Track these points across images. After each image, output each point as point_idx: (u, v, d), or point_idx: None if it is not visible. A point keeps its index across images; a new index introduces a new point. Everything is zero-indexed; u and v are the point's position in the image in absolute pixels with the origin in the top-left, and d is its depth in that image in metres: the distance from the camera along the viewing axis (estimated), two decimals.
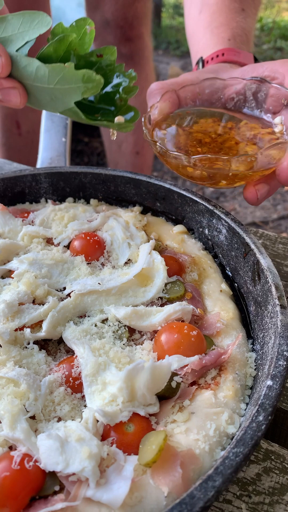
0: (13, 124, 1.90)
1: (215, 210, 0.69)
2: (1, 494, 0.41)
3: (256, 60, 0.87)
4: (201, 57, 0.90)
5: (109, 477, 0.42)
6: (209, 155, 0.61)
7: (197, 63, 0.91)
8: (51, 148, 0.92)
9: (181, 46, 5.89)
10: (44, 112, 1.02)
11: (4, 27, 0.63)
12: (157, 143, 0.65)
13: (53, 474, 0.43)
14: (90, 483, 0.41)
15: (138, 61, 1.89)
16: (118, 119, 0.69)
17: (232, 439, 0.46)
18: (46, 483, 0.43)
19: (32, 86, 0.64)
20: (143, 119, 0.71)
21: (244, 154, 0.62)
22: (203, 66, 0.88)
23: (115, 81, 0.71)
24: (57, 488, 0.43)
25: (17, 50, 0.63)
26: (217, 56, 0.86)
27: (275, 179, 0.66)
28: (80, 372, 0.51)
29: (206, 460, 0.44)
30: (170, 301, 0.61)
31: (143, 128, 0.70)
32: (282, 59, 0.77)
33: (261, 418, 0.41)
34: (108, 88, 0.72)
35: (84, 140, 3.31)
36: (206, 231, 0.72)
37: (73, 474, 0.42)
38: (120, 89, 0.71)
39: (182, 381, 0.50)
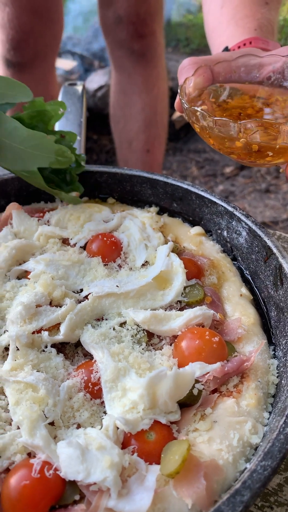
0: None
1: (235, 212, 0.68)
2: (20, 503, 0.40)
3: None
4: (226, 46, 0.87)
5: (131, 488, 0.41)
6: (258, 120, 0.59)
7: (223, 51, 0.88)
8: None
9: (191, 43, 5.85)
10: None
11: None
12: (199, 110, 0.62)
13: (73, 483, 0.42)
14: (111, 493, 0.40)
15: (150, 59, 1.88)
16: (76, 194, 0.77)
17: (255, 449, 0.45)
18: (66, 492, 0.42)
19: (1, 141, 0.67)
20: (179, 90, 0.69)
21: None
22: None
23: None
24: (77, 497, 0.42)
25: None
26: (244, 44, 0.84)
27: None
28: (99, 378, 0.50)
29: (229, 471, 0.43)
30: (189, 305, 0.60)
31: (180, 98, 0.68)
32: None
33: None
34: None
35: (93, 138, 3.29)
36: (225, 233, 0.71)
37: (94, 483, 0.41)
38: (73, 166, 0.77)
39: (203, 389, 0.49)
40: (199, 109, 0.63)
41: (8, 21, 1.61)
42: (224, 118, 0.59)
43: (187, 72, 0.71)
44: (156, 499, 0.40)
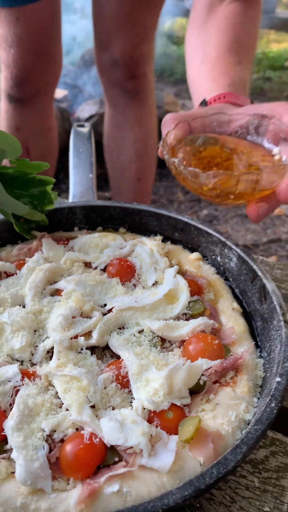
0: (24, 150, 2.05)
1: (227, 242, 0.84)
2: (77, 462, 0.54)
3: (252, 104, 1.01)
4: (204, 99, 1.03)
5: (157, 450, 0.55)
6: (221, 171, 0.73)
7: (201, 103, 1.05)
8: (80, 183, 1.06)
9: (175, 73, 6.15)
10: (71, 150, 1.16)
11: None
12: (176, 162, 0.77)
13: (112, 448, 0.56)
14: (144, 454, 0.54)
15: (142, 96, 2.07)
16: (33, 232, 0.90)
17: (248, 424, 0.60)
18: (108, 456, 0.56)
19: None
20: (161, 142, 0.83)
21: (250, 172, 0.73)
22: (205, 106, 1.02)
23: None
24: (116, 459, 0.55)
25: None
26: (219, 98, 0.99)
27: (274, 198, 0.77)
28: (127, 372, 0.64)
29: (229, 439, 0.57)
30: (193, 316, 0.75)
31: (162, 149, 0.82)
32: (280, 101, 0.91)
33: (273, 404, 0.55)
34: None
35: None
36: (219, 259, 0.87)
37: (130, 447, 0.55)
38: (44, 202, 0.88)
39: (207, 380, 0.63)
40: (176, 160, 0.78)
41: (13, 61, 1.77)
42: (194, 168, 0.75)
43: (169, 126, 0.86)
44: (176, 458, 0.54)
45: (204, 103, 1.02)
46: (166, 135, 0.85)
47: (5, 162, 0.80)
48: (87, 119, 3.49)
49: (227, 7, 1.21)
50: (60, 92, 4.09)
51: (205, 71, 1.11)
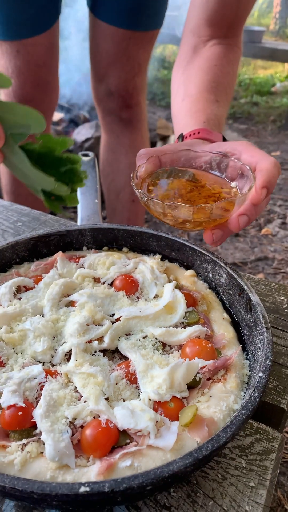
0: None
1: (217, 261, 0.97)
2: (96, 443, 0.65)
3: (224, 139, 1.13)
4: (181, 134, 1.15)
5: (162, 433, 0.66)
6: (177, 203, 0.83)
7: (178, 137, 1.17)
8: (87, 207, 1.19)
9: (166, 97, 6.38)
10: None
11: (9, 111, 0.74)
12: (141, 192, 0.87)
13: (124, 432, 0.67)
14: (151, 435, 0.65)
15: (135, 124, 2.23)
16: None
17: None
18: (120, 438, 0.67)
19: (11, 160, 0.77)
20: (132, 175, 0.93)
21: (202, 205, 0.83)
22: (182, 140, 1.13)
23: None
24: (128, 441, 0.67)
25: (12, 133, 0.76)
26: (194, 133, 1.11)
27: (227, 226, 0.89)
28: (135, 370, 0.75)
29: (221, 424, 0.69)
30: (189, 324, 0.87)
31: (132, 182, 0.91)
32: (242, 140, 1.02)
33: (256, 394, 0.67)
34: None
35: None
36: (211, 275, 1.00)
37: (140, 431, 0.66)
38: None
39: (202, 377, 0.75)
40: (141, 191, 0.88)
41: (13, 91, 1.91)
42: (155, 199, 0.84)
43: (141, 160, 0.97)
44: (177, 439, 0.65)
45: (181, 137, 1.14)
46: (137, 168, 0.95)
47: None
48: (83, 142, 3.65)
49: (209, 49, 1.36)
50: (56, 115, 4.26)
51: (184, 108, 1.23)
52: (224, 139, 1.13)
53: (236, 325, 0.92)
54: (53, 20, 1.78)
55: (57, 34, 1.88)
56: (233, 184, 0.94)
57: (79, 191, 1.25)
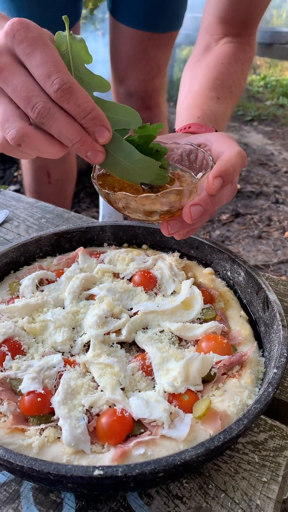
0: (44, 174, 2.22)
1: (236, 259, 0.98)
2: (110, 430, 0.67)
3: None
4: (174, 129, 1.14)
5: (176, 424, 0.68)
6: (124, 193, 0.77)
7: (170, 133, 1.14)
8: (108, 205, 1.21)
9: None
10: None
11: (109, 109, 0.77)
12: (95, 184, 0.82)
13: (139, 422, 0.69)
14: (164, 426, 0.67)
15: None
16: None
17: None
18: (135, 427, 0.69)
19: (115, 157, 0.78)
20: (93, 167, 0.86)
21: (144, 195, 0.77)
22: None
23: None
24: (142, 430, 0.68)
25: (115, 131, 0.78)
26: (185, 128, 1.09)
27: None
28: (151, 363, 0.77)
29: (234, 418, 0.70)
30: (205, 321, 0.88)
31: (92, 174, 0.85)
32: (222, 133, 0.95)
33: (270, 389, 0.68)
34: None
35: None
36: (229, 273, 1.01)
37: (154, 421, 0.68)
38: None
39: (217, 371, 0.76)
40: (96, 183, 0.82)
41: None
42: (104, 190, 0.80)
43: None
44: (191, 431, 0.67)
45: (173, 132, 1.12)
46: None
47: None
48: None
49: (220, 48, 1.36)
50: None
51: (185, 104, 1.23)
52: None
53: (253, 323, 0.92)
54: (74, 21, 1.81)
55: (77, 31, 1.91)
56: (199, 175, 0.84)
57: None
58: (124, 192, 0.78)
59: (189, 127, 1.09)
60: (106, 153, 0.77)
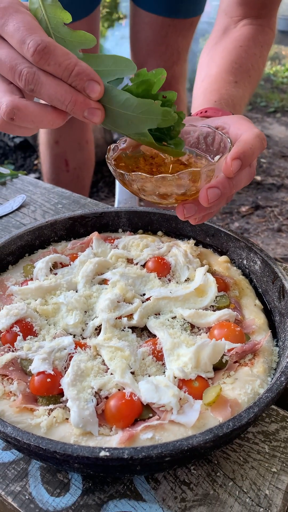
0: (62, 162, 2.22)
1: (252, 247, 0.96)
2: (119, 413, 0.66)
3: None
4: (190, 113, 1.12)
5: (185, 409, 0.67)
6: (140, 173, 0.76)
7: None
8: (125, 191, 1.21)
9: None
10: None
11: (99, 63, 0.75)
12: (112, 166, 0.80)
13: (147, 406, 0.68)
14: (173, 411, 0.66)
15: None
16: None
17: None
18: (143, 412, 0.68)
19: (113, 111, 0.75)
20: (108, 149, 0.86)
21: (161, 175, 0.75)
22: None
23: None
24: (150, 415, 0.68)
25: (107, 82, 0.75)
26: (201, 112, 1.07)
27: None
28: (161, 348, 0.76)
29: (244, 406, 0.69)
30: (219, 308, 0.87)
31: (106, 156, 0.85)
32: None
33: (282, 379, 0.66)
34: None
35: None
36: (245, 262, 0.99)
37: (163, 406, 0.67)
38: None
39: (229, 359, 0.75)
40: (112, 164, 0.81)
41: None
42: (119, 170, 0.78)
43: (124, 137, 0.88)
44: (200, 417, 0.66)
45: (189, 115, 1.10)
46: (118, 142, 0.88)
47: None
48: None
49: (239, 30, 1.32)
50: None
51: (202, 88, 1.21)
52: None
53: (268, 312, 0.90)
54: (94, 5, 1.79)
55: (97, 20, 1.89)
56: (217, 158, 0.84)
57: None
58: (139, 173, 0.76)
59: (206, 111, 1.07)
60: (105, 110, 0.74)
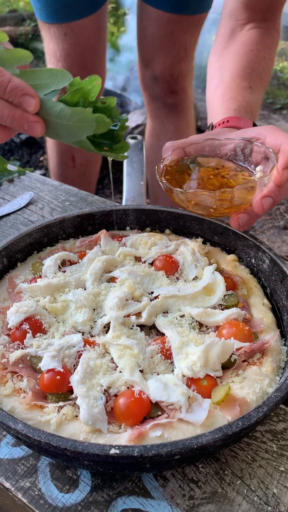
0: (69, 158, 2.22)
1: (261, 246, 0.95)
2: (128, 411, 0.67)
3: (254, 125, 1.10)
4: (211, 123, 1.14)
5: (193, 408, 0.67)
6: (199, 191, 0.83)
7: (208, 127, 1.16)
8: (132, 189, 1.21)
9: None
10: (125, 161, 1.31)
11: (35, 77, 0.78)
12: (164, 183, 0.88)
13: (156, 404, 0.69)
14: (182, 409, 0.66)
15: (181, 110, 2.21)
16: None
17: None
18: (152, 410, 0.68)
19: (53, 122, 0.78)
20: (156, 167, 0.94)
21: (223, 190, 0.83)
22: (212, 130, 1.12)
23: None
24: (159, 413, 0.68)
25: (45, 95, 0.79)
26: (223, 122, 1.11)
27: (253, 210, 0.89)
28: (170, 346, 0.77)
29: (253, 405, 0.69)
30: (227, 307, 0.87)
31: (156, 172, 0.93)
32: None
33: None
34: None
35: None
36: (253, 260, 0.98)
37: (172, 404, 0.67)
38: (117, 128, 0.85)
39: (237, 358, 0.75)
40: (164, 181, 0.89)
41: None
42: (177, 189, 0.86)
43: (167, 153, 0.99)
44: (209, 416, 0.66)
45: (211, 127, 1.14)
46: (162, 160, 0.97)
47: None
48: (134, 128, 3.67)
49: (246, 34, 1.32)
50: None
51: (217, 95, 1.23)
52: (254, 125, 1.10)
53: (276, 312, 0.90)
54: (101, 2, 1.78)
55: (105, 17, 1.88)
56: (258, 168, 0.93)
57: (125, 172, 1.27)
58: (201, 189, 0.84)
59: (228, 121, 1.09)
60: (46, 122, 0.77)
